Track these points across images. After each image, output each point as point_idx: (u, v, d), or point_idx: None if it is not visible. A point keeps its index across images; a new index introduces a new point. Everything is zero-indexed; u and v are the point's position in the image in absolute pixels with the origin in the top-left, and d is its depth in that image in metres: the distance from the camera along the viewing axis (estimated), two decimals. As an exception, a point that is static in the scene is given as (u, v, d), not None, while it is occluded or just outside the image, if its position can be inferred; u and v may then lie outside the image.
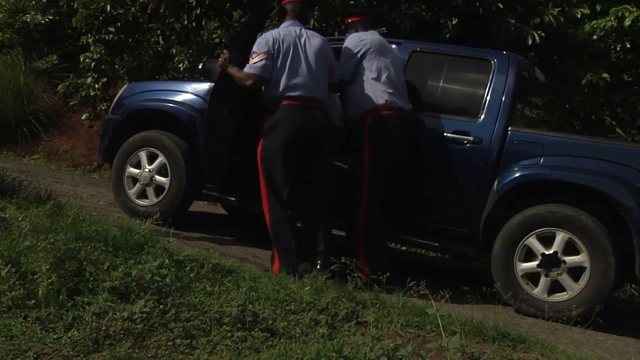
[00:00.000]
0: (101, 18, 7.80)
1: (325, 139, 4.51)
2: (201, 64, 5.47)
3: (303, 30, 4.61)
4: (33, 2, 10.15)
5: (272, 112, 4.47)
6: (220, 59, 4.72)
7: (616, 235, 4.27)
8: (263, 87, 4.56)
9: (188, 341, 3.04)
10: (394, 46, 5.16)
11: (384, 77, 4.65)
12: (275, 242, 4.44)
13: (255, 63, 4.46)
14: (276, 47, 4.47)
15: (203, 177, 5.15)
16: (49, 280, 3.15)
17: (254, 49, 4.52)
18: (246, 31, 4.99)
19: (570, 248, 4.32)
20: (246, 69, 4.51)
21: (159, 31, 8.31)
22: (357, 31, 4.88)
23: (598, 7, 6.66)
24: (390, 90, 4.65)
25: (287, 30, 4.58)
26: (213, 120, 4.83)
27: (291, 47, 4.50)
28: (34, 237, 3.47)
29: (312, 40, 4.58)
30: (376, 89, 4.63)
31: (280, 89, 4.43)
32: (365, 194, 4.60)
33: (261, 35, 4.62)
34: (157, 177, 5.38)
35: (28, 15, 9.94)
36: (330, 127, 4.55)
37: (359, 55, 4.70)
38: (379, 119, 4.59)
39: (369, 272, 4.14)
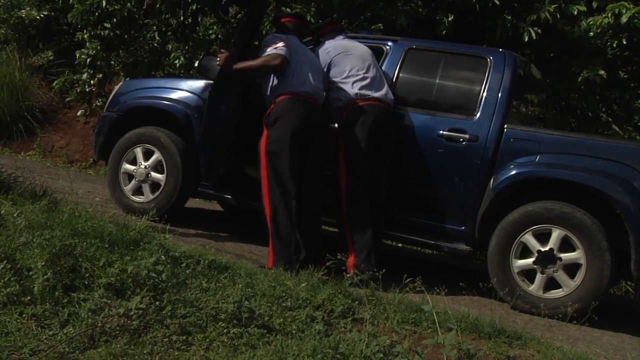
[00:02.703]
0: (97, 14, 7.77)
1: (323, 135, 4.68)
2: (197, 61, 5.46)
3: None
4: (28, -3, 10.14)
5: (277, 104, 4.56)
6: (219, 57, 4.71)
7: (612, 233, 4.28)
8: (271, 82, 4.67)
9: (184, 337, 3.03)
10: (389, 43, 5.18)
11: (353, 72, 4.75)
12: (273, 235, 4.44)
13: (277, 47, 4.61)
14: (288, 43, 4.67)
15: (201, 175, 5.15)
16: (45, 277, 3.15)
17: (270, 41, 4.70)
18: (244, 28, 4.98)
19: (566, 245, 4.33)
20: (270, 52, 4.62)
21: (154, 27, 8.29)
22: (328, 39, 5.02)
23: (594, 4, 6.66)
24: (362, 83, 4.72)
25: (289, 36, 4.81)
26: (211, 119, 4.81)
27: (298, 49, 4.74)
28: (29, 234, 3.46)
29: (308, 50, 4.90)
30: (347, 86, 4.73)
31: (289, 83, 4.58)
32: (344, 186, 4.64)
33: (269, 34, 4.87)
34: (153, 174, 5.37)
35: (23, 11, 9.92)
36: (326, 126, 4.74)
37: (326, 65, 4.84)
38: (351, 111, 4.68)
39: (357, 267, 4.19)
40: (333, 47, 4.92)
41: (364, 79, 4.74)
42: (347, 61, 4.82)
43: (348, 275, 3.91)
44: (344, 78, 4.77)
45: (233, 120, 4.92)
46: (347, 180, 4.63)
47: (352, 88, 4.72)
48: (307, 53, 4.84)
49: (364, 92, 4.70)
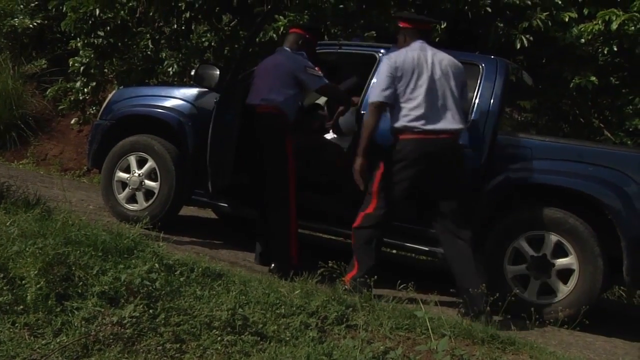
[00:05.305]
0: (90, 22, 7.78)
1: (266, 143, 4.78)
2: (193, 70, 5.48)
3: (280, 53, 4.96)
4: (21, 6, 10.13)
5: None
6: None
7: (604, 238, 4.30)
8: None
9: (178, 345, 3.03)
10: (382, 51, 5.17)
11: (414, 97, 4.25)
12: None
13: None
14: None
15: (195, 183, 5.16)
16: (38, 286, 3.14)
17: None
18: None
19: (559, 250, 4.35)
20: None
21: (148, 35, 8.30)
22: (405, 40, 4.49)
23: (585, 11, 6.72)
24: (418, 113, 4.23)
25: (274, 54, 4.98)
26: (217, 129, 4.80)
27: (263, 64, 4.93)
28: (22, 242, 3.45)
29: (276, 62, 4.90)
30: (401, 112, 4.28)
31: None
32: (368, 207, 4.36)
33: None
34: (147, 182, 5.37)
35: (16, 19, 9.91)
36: (268, 133, 4.77)
37: (390, 78, 4.29)
38: (400, 144, 4.29)
39: (354, 281, 4.18)
40: (406, 58, 4.32)
41: (422, 106, 4.24)
42: (415, 82, 4.28)
43: (344, 288, 3.91)
44: (403, 100, 4.27)
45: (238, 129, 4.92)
46: (376, 204, 4.32)
47: (403, 117, 4.26)
48: (271, 67, 4.85)
49: (414, 124, 4.23)
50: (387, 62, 4.38)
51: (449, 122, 4.28)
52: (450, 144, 4.32)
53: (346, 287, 3.97)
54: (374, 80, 4.48)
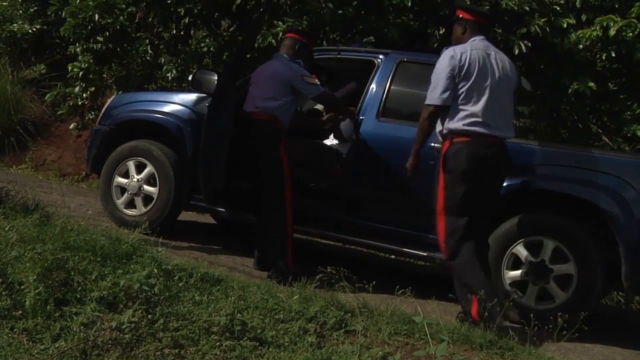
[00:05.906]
0: (89, 27, 7.79)
1: (259, 148, 4.86)
2: (191, 75, 5.49)
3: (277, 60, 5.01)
4: (20, 11, 10.16)
5: None
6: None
7: (603, 244, 4.30)
8: None
9: (177, 351, 3.03)
10: (381, 56, 5.19)
11: (471, 99, 4.06)
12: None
13: None
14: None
15: (194, 188, 5.15)
16: (36, 291, 3.14)
17: None
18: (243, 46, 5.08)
19: (557, 256, 4.35)
20: None
21: (147, 40, 8.31)
22: (464, 32, 4.29)
23: (583, 17, 6.73)
24: (479, 116, 4.04)
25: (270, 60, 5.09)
26: (210, 133, 4.80)
27: (258, 71, 5.04)
28: (21, 247, 3.45)
29: (270, 67, 5.03)
30: (458, 113, 4.07)
31: None
32: (443, 230, 4.09)
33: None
34: (146, 187, 5.37)
35: (15, 25, 9.94)
36: (260, 138, 4.84)
37: (451, 78, 4.07)
38: (454, 147, 4.06)
39: (482, 315, 3.81)
40: (467, 55, 4.09)
41: (479, 108, 4.05)
42: (474, 82, 4.07)
43: (475, 322, 3.72)
44: (460, 102, 4.07)
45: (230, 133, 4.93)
46: (446, 219, 4.07)
47: (461, 119, 4.05)
48: (267, 74, 4.89)
49: (472, 128, 4.03)
50: (450, 59, 4.09)
51: (504, 129, 4.15)
52: (503, 151, 4.17)
53: (475, 321, 3.77)
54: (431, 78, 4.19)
